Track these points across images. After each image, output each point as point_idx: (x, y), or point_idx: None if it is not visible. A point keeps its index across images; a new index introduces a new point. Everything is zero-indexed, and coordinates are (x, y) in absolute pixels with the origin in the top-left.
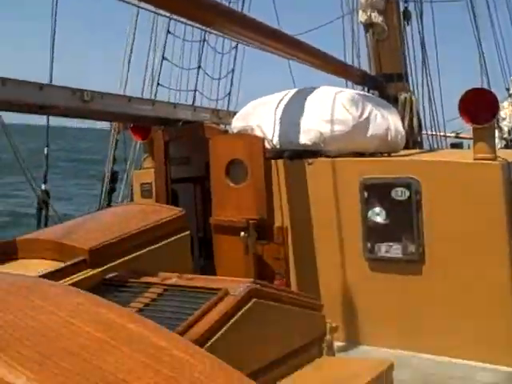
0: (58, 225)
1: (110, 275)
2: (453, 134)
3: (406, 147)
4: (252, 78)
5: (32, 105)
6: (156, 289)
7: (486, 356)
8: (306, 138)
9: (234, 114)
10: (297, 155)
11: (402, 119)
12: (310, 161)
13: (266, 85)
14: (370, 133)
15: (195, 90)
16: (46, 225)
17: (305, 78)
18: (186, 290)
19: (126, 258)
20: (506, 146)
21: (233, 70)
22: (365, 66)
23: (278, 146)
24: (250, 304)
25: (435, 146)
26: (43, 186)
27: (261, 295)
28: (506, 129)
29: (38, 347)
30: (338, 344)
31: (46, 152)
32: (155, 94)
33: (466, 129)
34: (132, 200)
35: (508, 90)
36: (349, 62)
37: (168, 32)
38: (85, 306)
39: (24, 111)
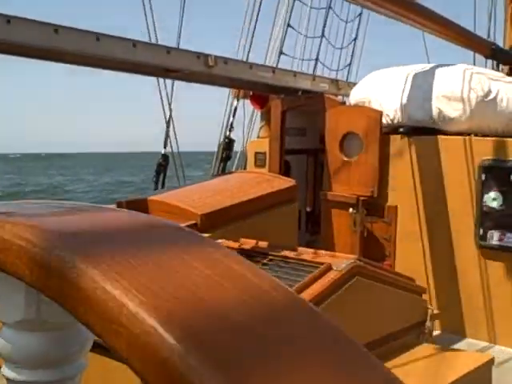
0: (174, 189)
1: (219, 241)
2: None
3: None
4: (374, 50)
5: (159, 68)
6: (261, 258)
7: None
8: (425, 115)
9: (354, 85)
10: (414, 132)
11: None
12: (429, 138)
13: (389, 57)
14: (494, 114)
15: (316, 60)
16: (162, 188)
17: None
18: (290, 261)
19: (236, 225)
20: None
21: (355, 39)
22: (499, 39)
23: (395, 121)
24: (352, 281)
25: None
26: (163, 150)
27: (364, 273)
28: None
29: (151, 275)
30: (437, 333)
31: (168, 115)
32: (277, 63)
33: None
34: (245, 169)
35: None
36: (480, 32)
37: None
38: (195, 244)
39: (150, 74)
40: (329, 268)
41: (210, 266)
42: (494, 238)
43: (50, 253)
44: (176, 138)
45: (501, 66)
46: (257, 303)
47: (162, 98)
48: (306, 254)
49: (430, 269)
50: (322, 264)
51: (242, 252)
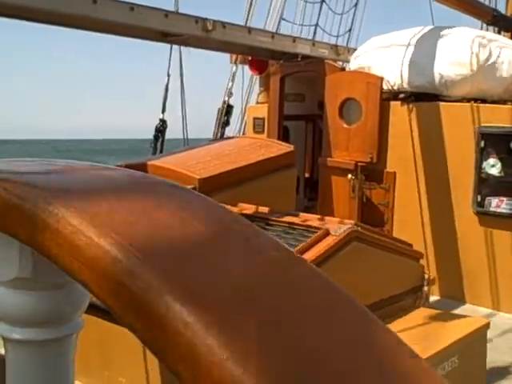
0: (172, 153)
1: None
2: None
3: None
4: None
5: (156, 32)
6: (258, 222)
7: None
8: (425, 80)
9: (354, 50)
10: (414, 98)
11: None
12: (429, 104)
13: (389, 22)
14: (495, 78)
15: (316, 25)
16: (161, 152)
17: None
18: (288, 226)
19: (234, 190)
20: None
21: (356, 5)
22: (502, 6)
23: (395, 87)
24: (349, 246)
25: None
26: (161, 116)
27: (361, 238)
28: None
29: (146, 232)
30: (434, 298)
31: (166, 81)
32: (277, 29)
33: None
34: (244, 134)
35: None
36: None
37: None
38: (192, 202)
39: (148, 38)
40: (326, 233)
41: (209, 222)
42: (492, 204)
43: (43, 209)
44: (184, 104)
45: (502, 33)
46: (256, 261)
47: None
48: (305, 218)
49: (428, 235)
50: (320, 229)
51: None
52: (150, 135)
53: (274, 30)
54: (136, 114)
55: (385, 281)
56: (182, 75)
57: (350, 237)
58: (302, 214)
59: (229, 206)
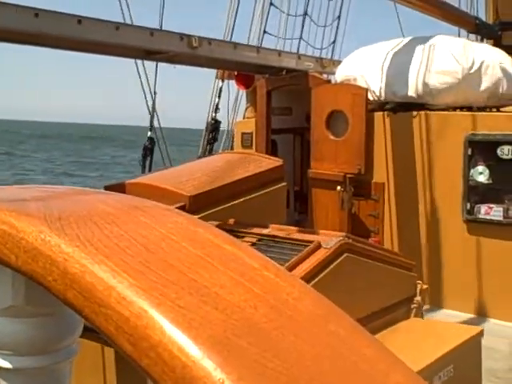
0: (160, 171)
1: (208, 223)
2: None
3: None
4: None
5: (140, 50)
6: (250, 238)
7: None
8: (410, 90)
9: (339, 62)
10: (401, 108)
11: None
12: (414, 114)
13: (374, 34)
14: (479, 85)
15: (300, 38)
16: (150, 170)
17: (415, 27)
18: (279, 240)
19: (224, 206)
20: None
21: (339, 17)
22: (481, 12)
23: (381, 98)
24: (341, 258)
25: None
26: (149, 133)
27: (353, 250)
28: None
29: (139, 257)
30: (426, 307)
31: (152, 98)
32: (261, 42)
33: None
34: (232, 149)
35: None
36: (463, 8)
37: None
38: (184, 225)
39: (133, 56)
40: (318, 246)
41: (200, 246)
42: (481, 211)
43: (35, 238)
44: (159, 121)
45: (485, 41)
46: (248, 282)
47: (142, 85)
48: (295, 232)
49: (419, 244)
50: (311, 242)
51: (231, 232)
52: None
53: (258, 44)
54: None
55: (377, 292)
56: (155, 93)
57: (342, 249)
58: (292, 227)
59: (219, 222)
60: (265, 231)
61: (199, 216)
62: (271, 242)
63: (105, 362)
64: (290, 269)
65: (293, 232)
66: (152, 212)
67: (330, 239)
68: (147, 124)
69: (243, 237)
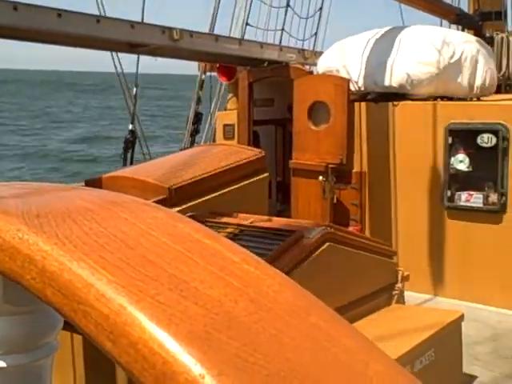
0: (141, 163)
1: (189, 214)
2: None
3: (499, 92)
4: (341, 18)
5: (123, 43)
6: (232, 229)
7: None
8: (392, 80)
9: (321, 54)
10: (382, 98)
11: (499, 61)
12: (396, 103)
13: (355, 25)
14: (460, 76)
15: (282, 30)
16: (131, 164)
17: (398, 17)
18: (262, 231)
19: (206, 198)
20: None
21: (321, 9)
22: (464, 3)
23: (362, 88)
24: (323, 247)
25: None
26: (130, 126)
27: (335, 239)
28: None
29: (118, 254)
30: (409, 293)
31: (134, 91)
32: (243, 35)
33: None
34: (214, 141)
35: None
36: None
37: None
38: (163, 220)
39: (114, 49)
40: (301, 236)
41: (180, 241)
42: (462, 198)
43: (13, 236)
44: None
45: (466, 30)
46: (228, 276)
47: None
48: (278, 223)
49: (400, 232)
50: (294, 232)
51: (214, 224)
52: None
53: (240, 36)
54: None
55: (360, 280)
56: (136, 86)
57: (324, 238)
58: (275, 218)
59: (202, 214)
60: (247, 222)
61: (181, 208)
62: (253, 233)
63: (74, 349)
64: (273, 259)
65: (275, 222)
66: (131, 207)
67: (312, 229)
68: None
69: (225, 228)
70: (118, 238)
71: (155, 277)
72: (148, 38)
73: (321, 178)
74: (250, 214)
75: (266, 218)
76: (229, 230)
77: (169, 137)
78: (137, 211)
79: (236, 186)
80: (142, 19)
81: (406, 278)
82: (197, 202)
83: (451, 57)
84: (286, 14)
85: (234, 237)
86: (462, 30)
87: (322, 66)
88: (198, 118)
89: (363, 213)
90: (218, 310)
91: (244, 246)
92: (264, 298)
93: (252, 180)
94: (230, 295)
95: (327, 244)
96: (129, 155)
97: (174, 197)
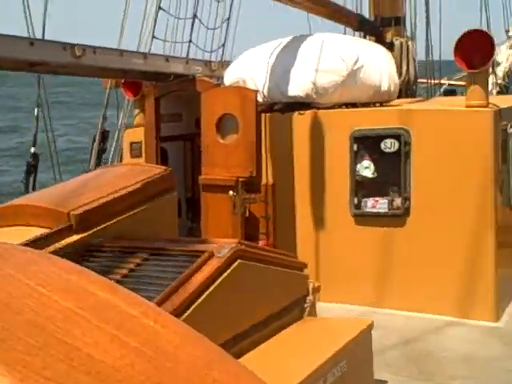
0: (45, 189)
1: (96, 241)
2: (447, 82)
3: (400, 96)
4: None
5: (22, 62)
6: (141, 253)
7: (463, 311)
8: (298, 90)
9: (228, 65)
10: (289, 108)
11: (399, 67)
12: (302, 113)
13: (265, 34)
14: (363, 82)
15: (189, 42)
16: (34, 189)
17: (304, 25)
18: (172, 253)
19: (113, 222)
20: (500, 93)
21: (228, 19)
22: (365, 10)
23: (269, 99)
24: (234, 265)
25: (430, 94)
26: (32, 149)
27: (246, 256)
28: (500, 74)
29: (1, 322)
30: (320, 304)
31: (36, 113)
32: (150, 48)
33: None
34: (121, 160)
35: (507, 32)
36: (349, 6)
37: None
38: (55, 273)
39: (13, 69)
40: (211, 255)
41: (73, 297)
42: (368, 205)
43: None
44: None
45: (368, 37)
46: (124, 335)
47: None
48: (188, 243)
49: (310, 242)
50: (204, 252)
51: (121, 250)
52: None
53: (148, 50)
54: None
55: (271, 296)
56: (38, 106)
57: (235, 256)
58: (185, 238)
59: (108, 240)
60: (157, 245)
61: (85, 235)
62: (163, 256)
63: None
64: (184, 281)
65: (185, 243)
66: (19, 261)
67: (222, 247)
68: None
69: (134, 253)
70: (2, 301)
71: (43, 346)
72: (49, 56)
73: (231, 192)
74: (160, 236)
75: (176, 238)
76: (138, 254)
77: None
78: (24, 264)
79: (143, 208)
80: (43, 36)
81: (316, 289)
82: (104, 226)
83: (354, 64)
84: (192, 26)
85: (143, 261)
86: (364, 36)
87: (229, 77)
88: (104, 136)
89: (273, 225)
90: (113, 380)
91: (154, 270)
92: (163, 357)
93: (160, 200)
94: (126, 358)
95: (238, 261)
96: (31, 180)
97: (79, 223)
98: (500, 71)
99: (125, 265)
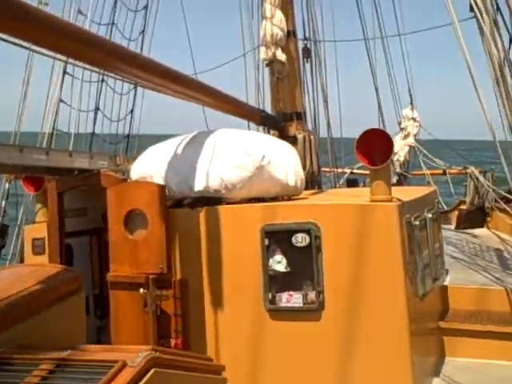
0: None
1: None
2: (349, 170)
3: (305, 188)
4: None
5: None
6: (47, 365)
7: None
8: (206, 185)
9: (134, 159)
10: (198, 203)
11: (303, 159)
12: (211, 209)
13: (170, 125)
14: (271, 177)
15: (93, 134)
16: None
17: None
18: (80, 364)
19: (16, 328)
20: (398, 181)
21: (132, 111)
22: (268, 105)
23: (178, 194)
24: (149, 374)
25: (332, 183)
26: None
27: (161, 364)
28: (397, 163)
29: None
30: None
31: None
32: (50, 141)
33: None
34: (22, 258)
35: (400, 123)
36: (251, 101)
37: (65, 72)
38: None
39: None
40: (123, 365)
41: None
42: (283, 299)
43: None
44: None
45: (271, 132)
46: None
47: None
48: (98, 352)
49: (226, 340)
50: (117, 361)
51: (24, 362)
52: None
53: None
54: None
55: None
56: None
57: (149, 364)
58: (94, 346)
59: (7, 351)
60: (63, 354)
61: None
62: (71, 368)
63: None
64: None
65: (95, 351)
66: None
67: (135, 355)
68: None
69: (38, 364)
70: None
71: None
72: None
73: (141, 290)
74: (67, 344)
75: (84, 346)
76: (43, 366)
77: None
78: None
79: (48, 313)
80: None
81: None
82: (7, 333)
83: (261, 159)
84: (95, 117)
85: (49, 374)
86: (268, 131)
87: (136, 172)
88: (2, 230)
89: (187, 323)
90: None
91: None
92: None
93: (66, 303)
94: None
95: (153, 370)
96: None
97: None
98: (397, 161)
99: (29, 379)
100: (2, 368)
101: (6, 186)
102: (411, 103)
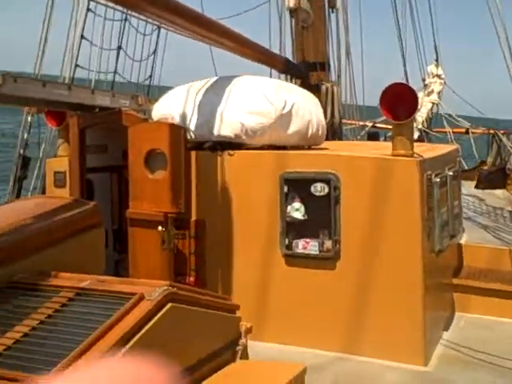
0: None
1: (18, 277)
2: (370, 124)
3: (326, 138)
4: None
5: None
6: (67, 293)
7: (392, 355)
8: (227, 130)
9: (155, 100)
10: (218, 147)
11: (324, 110)
12: (232, 153)
13: (192, 70)
14: (292, 125)
15: (115, 72)
16: None
17: (229, 64)
18: (100, 294)
19: (36, 258)
20: (419, 137)
21: (155, 52)
22: (289, 55)
23: (199, 137)
24: (165, 309)
25: (353, 136)
26: None
27: (177, 299)
28: (419, 119)
29: None
30: (253, 344)
31: None
32: (73, 77)
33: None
34: (44, 190)
35: (424, 80)
36: (274, 49)
37: (88, 10)
38: None
39: None
40: (141, 298)
41: None
42: (299, 246)
43: None
44: None
45: (294, 80)
46: None
47: None
48: (117, 284)
49: (241, 281)
50: (135, 294)
51: (45, 288)
52: None
53: (70, 77)
54: None
55: (203, 339)
56: None
57: (166, 299)
58: (113, 278)
59: (30, 277)
60: (83, 284)
61: (8, 270)
62: (91, 296)
63: None
64: (114, 324)
65: (114, 283)
66: None
67: (153, 290)
68: None
69: (58, 292)
70: None
71: None
72: None
73: (160, 227)
74: (87, 274)
75: (103, 278)
76: (63, 293)
77: None
78: None
79: (69, 243)
80: None
81: (249, 331)
82: (26, 262)
83: (283, 107)
84: (118, 56)
85: (69, 301)
86: (290, 79)
87: (157, 113)
88: (25, 162)
89: (204, 262)
90: None
91: (81, 312)
92: None
93: (86, 235)
94: None
95: (169, 305)
96: None
97: (1, 256)
98: (419, 117)
99: (49, 305)
100: (23, 293)
101: (29, 118)
102: (436, 60)
